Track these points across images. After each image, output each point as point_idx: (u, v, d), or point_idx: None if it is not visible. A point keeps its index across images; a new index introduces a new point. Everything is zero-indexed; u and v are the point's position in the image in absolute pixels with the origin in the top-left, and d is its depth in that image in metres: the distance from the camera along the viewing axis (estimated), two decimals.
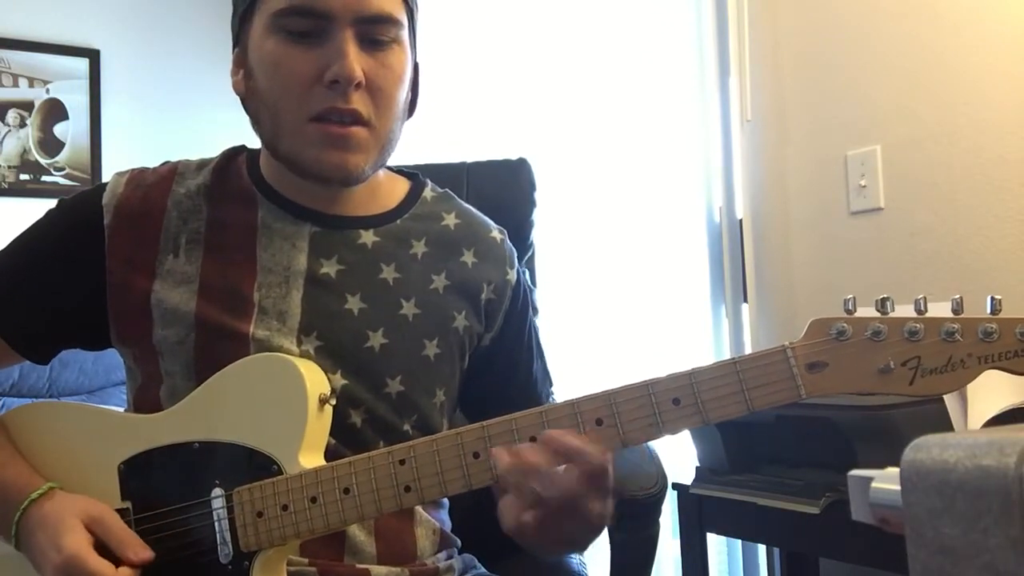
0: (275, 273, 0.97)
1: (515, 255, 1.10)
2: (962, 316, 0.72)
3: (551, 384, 1.16)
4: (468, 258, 1.05)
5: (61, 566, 0.84)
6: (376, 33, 0.93)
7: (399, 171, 1.10)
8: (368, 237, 1.01)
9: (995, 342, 0.71)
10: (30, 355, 1.03)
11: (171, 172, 1.03)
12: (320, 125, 0.92)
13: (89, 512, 0.87)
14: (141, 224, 0.99)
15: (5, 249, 1.04)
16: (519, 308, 1.09)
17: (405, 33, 0.96)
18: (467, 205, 1.11)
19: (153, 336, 0.96)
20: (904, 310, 0.75)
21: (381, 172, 1.06)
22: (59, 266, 0.99)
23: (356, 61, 0.90)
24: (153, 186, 1.01)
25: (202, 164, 1.04)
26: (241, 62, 0.98)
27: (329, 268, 0.98)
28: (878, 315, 0.75)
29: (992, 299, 0.72)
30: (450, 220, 1.07)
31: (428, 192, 1.09)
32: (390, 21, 0.93)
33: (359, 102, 0.92)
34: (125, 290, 0.97)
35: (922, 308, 0.73)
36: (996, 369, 0.72)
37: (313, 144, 0.93)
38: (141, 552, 0.86)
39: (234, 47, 1.00)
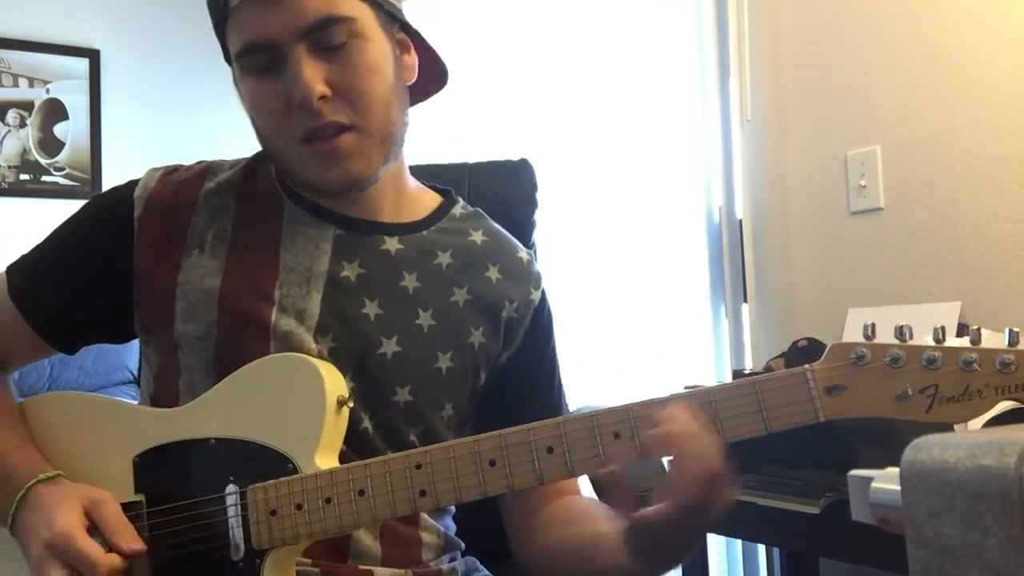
0: (297, 273, 0.98)
1: (541, 278, 1.10)
2: (980, 347, 0.74)
3: (565, 410, 1.15)
4: (493, 274, 1.05)
5: (49, 541, 0.83)
6: (328, 38, 0.91)
7: (432, 186, 1.10)
8: (392, 244, 1.01)
9: (1012, 373, 0.72)
10: (61, 345, 1.05)
11: (204, 170, 1.04)
12: (310, 146, 0.93)
13: (91, 496, 0.87)
14: (170, 218, 1.00)
15: (40, 243, 1.05)
16: (541, 329, 1.08)
17: (364, 23, 0.93)
18: (496, 225, 1.10)
19: (174, 329, 0.97)
20: (922, 336, 0.76)
21: (412, 183, 1.06)
22: (89, 258, 1.01)
23: (312, 77, 0.89)
24: (186, 182, 1.02)
25: (234, 164, 1.05)
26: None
27: (350, 271, 0.98)
28: (897, 342, 0.76)
29: (1010, 331, 0.73)
30: (477, 236, 1.07)
31: (458, 209, 1.09)
32: (335, 21, 0.91)
33: (333, 112, 0.91)
34: (151, 280, 0.99)
35: (940, 337, 0.75)
36: (1012, 400, 0.73)
37: (311, 165, 0.94)
38: (132, 543, 0.86)
39: None
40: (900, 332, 0.76)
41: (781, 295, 1.91)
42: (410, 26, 1.01)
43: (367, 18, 0.94)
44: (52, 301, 1.02)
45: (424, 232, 1.04)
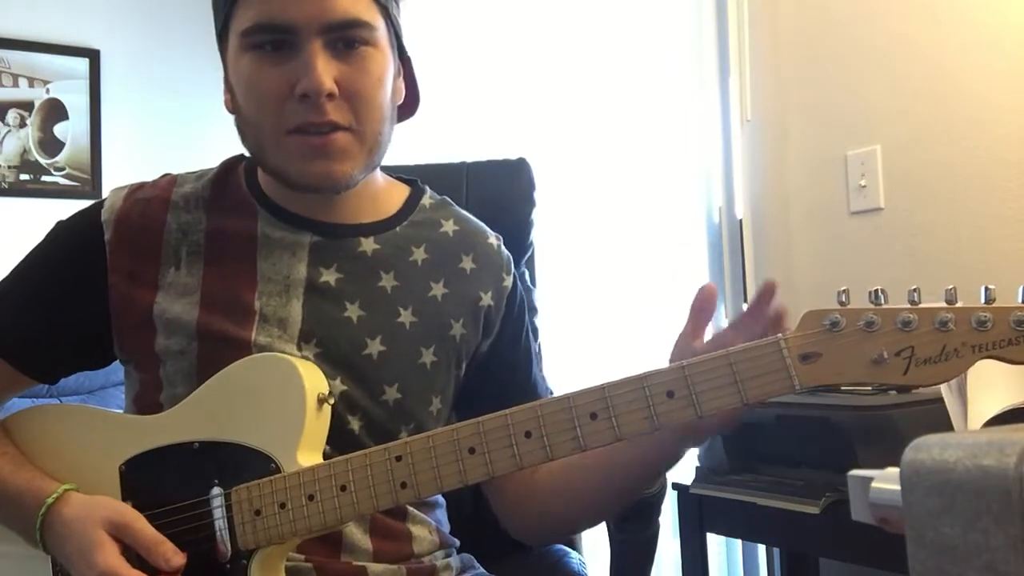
0: (275, 282, 0.98)
1: (511, 261, 1.11)
2: (956, 306, 0.72)
3: (549, 394, 1.15)
4: (467, 264, 1.06)
5: None
6: (346, 38, 0.92)
7: (398, 177, 1.11)
8: (368, 245, 1.01)
9: (989, 331, 0.71)
10: (42, 378, 1.04)
11: (169, 185, 1.03)
12: (299, 137, 0.92)
13: (111, 519, 0.87)
14: (141, 238, 0.99)
15: (9, 275, 1.04)
16: (515, 314, 1.09)
17: (380, 35, 0.95)
18: (465, 212, 1.11)
19: (155, 345, 0.97)
20: (898, 304, 0.74)
21: (380, 178, 1.06)
22: (64, 287, 1.00)
23: (325, 72, 0.90)
24: (152, 200, 1.01)
25: (200, 175, 1.05)
26: (227, 82, 0.99)
27: (329, 277, 0.99)
28: (871, 306, 0.75)
29: (986, 288, 0.72)
30: (448, 227, 1.07)
31: (427, 199, 1.09)
32: (359, 25, 0.92)
33: (335, 112, 0.91)
34: (128, 303, 0.98)
35: (915, 299, 0.73)
36: (990, 358, 0.71)
37: (295, 156, 0.93)
38: (172, 559, 0.85)
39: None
40: (875, 296, 0.74)
41: (781, 295, 1.90)
42: (406, 52, 1.03)
43: (382, 30, 0.95)
44: (26, 334, 1.01)
45: (397, 228, 1.04)
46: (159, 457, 0.92)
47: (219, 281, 0.98)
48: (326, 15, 0.90)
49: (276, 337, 0.95)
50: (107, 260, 0.98)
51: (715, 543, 1.96)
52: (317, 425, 0.90)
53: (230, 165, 1.06)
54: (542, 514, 1.04)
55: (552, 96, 2.32)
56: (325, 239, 1.00)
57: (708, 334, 0.87)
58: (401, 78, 1.02)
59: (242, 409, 0.91)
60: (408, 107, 1.06)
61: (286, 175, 0.95)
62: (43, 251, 1.03)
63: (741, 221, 1.97)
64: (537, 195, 1.53)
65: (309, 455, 0.88)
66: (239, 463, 0.88)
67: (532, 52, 2.37)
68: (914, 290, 0.74)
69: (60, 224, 1.04)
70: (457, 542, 1.10)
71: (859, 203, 1.73)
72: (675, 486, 1.50)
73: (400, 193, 1.08)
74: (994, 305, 0.71)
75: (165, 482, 0.91)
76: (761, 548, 1.95)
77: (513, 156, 1.57)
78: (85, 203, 1.07)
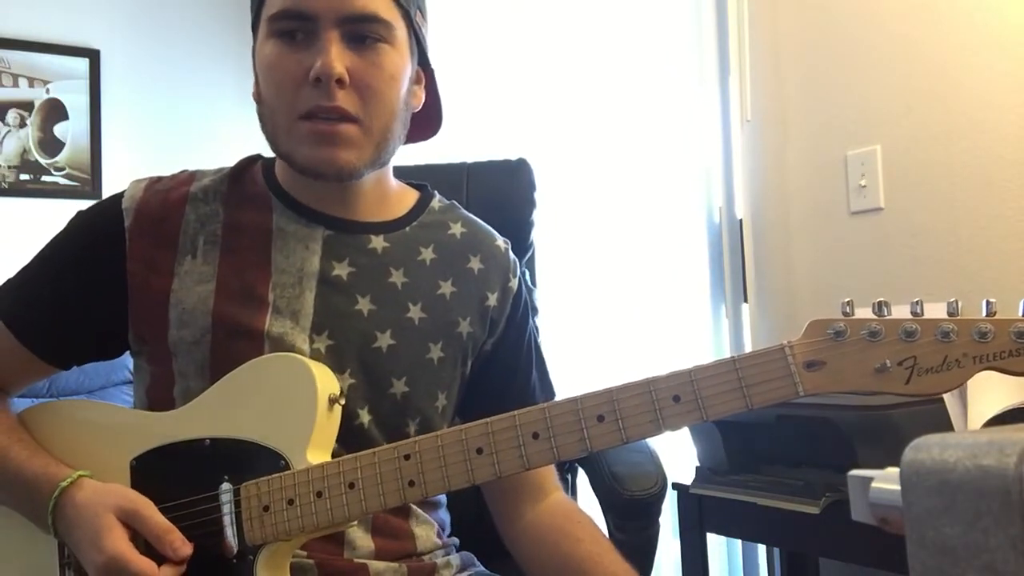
0: (289, 274, 0.99)
1: (518, 265, 1.13)
2: (958, 317, 0.74)
3: (553, 395, 1.16)
4: (475, 264, 1.08)
5: (103, 567, 0.85)
6: (362, 32, 0.95)
7: (409, 183, 1.13)
8: (378, 242, 1.03)
9: (990, 342, 0.72)
10: (56, 363, 1.05)
11: (189, 178, 1.05)
12: (309, 123, 0.94)
13: (122, 506, 0.88)
14: (160, 227, 1.01)
15: (29, 263, 1.05)
16: (519, 316, 1.11)
17: (398, 35, 0.97)
18: (472, 216, 1.13)
19: (168, 337, 0.98)
20: (901, 312, 0.76)
21: (393, 182, 1.09)
22: (82, 273, 1.01)
23: (338, 59, 0.92)
24: (172, 190, 1.03)
25: (218, 171, 1.07)
26: (256, 72, 1.01)
27: (341, 270, 1.00)
28: (875, 317, 0.76)
29: (987, 302, 0.74)
30: (456, 229, 1.09)
31: (436, 203, 1.11)
32: (376, 20, 0.95)
33: (344, 100, 0.93)
34: (145, 290, 0.99)
35: (918, 310, 0.75)
36: (991, 369, 0.73)
37: (303, 141, 0.95)
38: (179, 548, 0.86)
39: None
40: (878, 307, 0.76)
41: (781, 295, 1.90)
42: (429, 65, 1.05)
43: (401, 32, 0.98)
44: (45, 319, 1.02)
45: (407, 229, 1.06)
46: (170, 453, 0.93)
47: (234, 271, 0.99)
48: (345, 8, 0.93)
49: (288, 328, 0.97)
50: (127, 247, 1.00)
51: (715, 543, 1.97)
52: (328, 425, 0.91)
53: (247, 163, 1.08)
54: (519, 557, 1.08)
55: (552, 96, 2.32)
56: (338, 233, 1.02)
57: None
58: (421, 87, 1.05)
59: (254, 407, 0.92)
60: (430, 123, 1.09)
61: (295, 160, 0.97)
62: (64, 238, 1.04)
63: (741, 221, 1.97)
64: (537, 195, 1.53)
65: (319, 454, 0.89)
66: (249, 460, 0.89)
67: (532, 52, 2.37)
68: (917, 302, 0.75)
69: (81, 213, 1.06)
70: (457, 541, 1.11)
71: (859, 203, 1.73)
72: (675, 486, 1.50)
73: (411, 197, 1.10)
74: (995, 317, 0.73)
75: (176, 478, 0.92)
76: (761, 548, 1.95)
77: (513, 156, 1.57)
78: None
